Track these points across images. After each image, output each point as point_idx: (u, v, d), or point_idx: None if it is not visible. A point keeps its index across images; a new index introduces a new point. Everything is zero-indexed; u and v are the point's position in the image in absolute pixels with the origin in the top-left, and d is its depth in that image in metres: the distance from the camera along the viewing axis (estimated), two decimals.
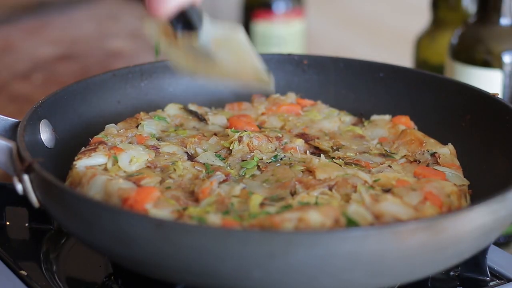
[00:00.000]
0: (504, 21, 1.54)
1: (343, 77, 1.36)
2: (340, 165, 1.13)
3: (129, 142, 1.18)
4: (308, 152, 1.19)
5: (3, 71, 1.95)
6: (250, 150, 1.17)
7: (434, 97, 1.29)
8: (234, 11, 2.45)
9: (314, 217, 0.97)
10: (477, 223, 0.95)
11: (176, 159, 1.14)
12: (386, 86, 1.33)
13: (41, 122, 1.15)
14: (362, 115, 1.32)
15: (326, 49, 2.40)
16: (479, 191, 1.12)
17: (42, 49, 2.09)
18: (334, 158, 1.17)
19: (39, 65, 1.99)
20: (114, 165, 1.11)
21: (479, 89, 1.25)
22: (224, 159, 1.16)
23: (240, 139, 1.18)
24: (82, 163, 1.11)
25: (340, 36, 2.55)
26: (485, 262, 1.10)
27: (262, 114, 1.30)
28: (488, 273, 1.11)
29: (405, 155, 1.19)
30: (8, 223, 1.22)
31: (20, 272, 1.10)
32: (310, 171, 1.11)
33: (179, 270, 0.93)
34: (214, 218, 0.98)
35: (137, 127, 1.22)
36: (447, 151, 1.20)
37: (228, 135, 1.20)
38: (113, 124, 1.22)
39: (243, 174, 1.12)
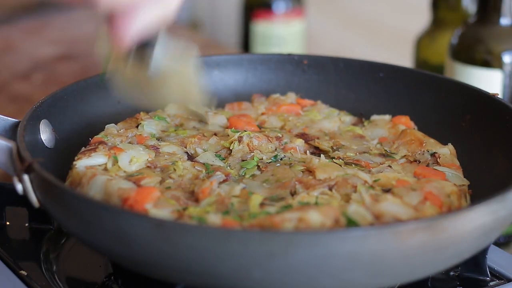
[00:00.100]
0: (504, 21, 1.54)
1: (343, 77, 1.36)
2: (340, 165, 1.13)
3: (129, 142, 1.18)
4: (308, 152, 1.19)
5: (3, 71, 1.94)
6: (250, 150, 1.17)
7: (434, 97, 1.29)
8: (234, 11, 2.45)
9: (314, 217, 0.97)
10: (477, 223, 0.95)
11: (176, 159, 1.14)
12: (386, 86, 1.33)
13: (41, 122, 1.15)
14: (362, 115, 1.32)
15: (326, 49, 2.40)
16: (479, 191, 1.12)
17: (42, 49, 2.09)
18: (334, 158, 1.17)
19: (39, 65, 1.99)
20: (114, 165, 1.11)
21: (479, 89, 1.25)
22: (224, 159, 1.16)
23: (240, 139, 1.18)
24: (82, 163, 1.11)
25: (340, 36, 2.55)
26: (485, 262, 1.10)
27: (262, 114, 1.30)
28: (488, 273, 1.11)
29: (405, 155, 1.19)
30: (8, 223, 1.22)
31: (20, 272, 1.10)
32: (310, 171, 1.11)
33: (179, 270, 0.93)
34: (214, 218, 0.98)
35: (137, 127, 1.22)
36: (447, 151, 1.20)
37: (228, 135, 1.20)
38: (113, 124, 1.22)
39: (243, 174, 1.12)
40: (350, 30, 2.55)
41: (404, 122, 1.27)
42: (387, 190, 1.07)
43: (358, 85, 1.35)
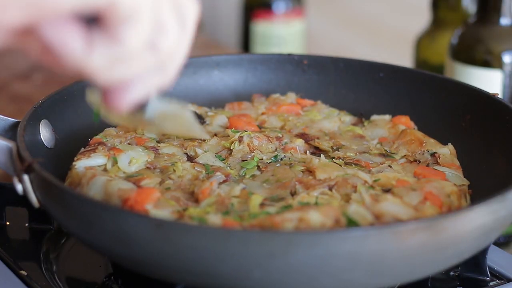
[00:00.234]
0: (504, 21, 1.54)
1: (343, 77, 1.36)
2: (340, 165, 1.13)
3: (128, 143, 1.18)
4: (308, 152, 1.19)
5: (3, 71, 1.94)
6: (250, 150, 1.17)
7: (434, 97, 1.29)
8: (234, 11, 2.45)
9: (315, 217, 0.97)
10: (477, 223, 0.95)
11: (175, 160, 1.14)
12: (386, 86, 1.33)
13: (41, 122, 1.15)
14: (362, 115, 1.32)
15: (326, 49, 2.40)
16: (479, 191, 1.12)
17: None
18: (334, 158, 1.17)
19: (39, 65, 1.99)
20: (113, 166, 1.11)
21: (479, 89, 1.25)
22: (224, 160, 1.16)
23: (240, 139, 1.18)
24: (82, 163, 1.11)
25: (340, 36, 2.55)
26: (485, 262, 1.10)
27: (262, 114, 1.30)
28: (488, 273, 1.11)
29: (405, 155, 1.19)
30: (8, 223, 1.22)
31: (20, 272, 1.10)
32: (310, 171, 1.11)
33: (179, 270, 0.93)
34: (215, 219, 0.98)
35: (135, 131, 1.21)
36: (447, 151, 1.20)
37: (228, 136, 1.20)
38: (112, 128, 1.22)
39: (243, 174, 1.12)
40: (350, 30, 2.56)
41: (404, 122, 1.27)
42: (387, 190, 1.07)
43: (358, 85, 1.35)
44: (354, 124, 1.29)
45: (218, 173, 1.10)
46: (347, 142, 1.22)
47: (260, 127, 1.26)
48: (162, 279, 0.97)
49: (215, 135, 1.22)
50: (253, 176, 1.12)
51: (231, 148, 1.17)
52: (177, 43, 0.84)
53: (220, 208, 1.02)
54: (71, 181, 1.10)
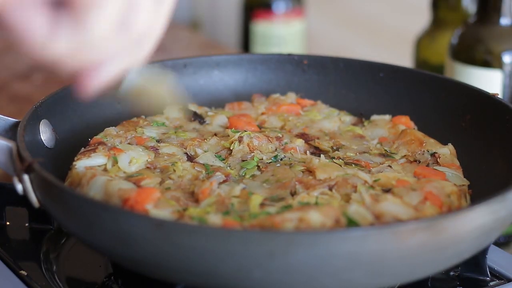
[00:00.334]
0: (504, 21, 1.54)
1: (343, 77, 1.36)
2: (340, 165, 1.13)
3: (129, 143, 1.18)
4: (308, 152, 1.19)
5: (3, 71, 1.94)
6: (250, 150, 1.17)
7: (434, 97, 1.29)
8: (234, 11, 2.45)
9: (315, 217, 0.97)
10: (477, 223, 0.95)
11: (175, 160, 1.14)
12: (386, 86, 1.33)
13: (41, 122, 1.15)
14: (362, 115, 1.32)
15: (326, 49, 2.40)
16: (479, 191, 1.12)
17: None
18: (334, 158, 1.17)
19: (39, 65, 1.98)
20: (113, 166, 1.11)
21: (479, 89, 1.25)
22: (224, 160, 1.16)
23: (240, 139, 1.18)
24: (82, 163, 1.11)
25: (340, 36, 2.55)
26: (485, 262, 1.10)
27: (262, 114, 1.30)
28: (488, 273, 1.11)
29: (405, 155, 1.19)
30: (8, 223, 1.22)
31: (20, 272, 1.10)
32: (310, 171, 1.11)
33: (179, 270, 0.93)
34: (215, 219, 0.98)
35: (135, 130, 1.21)
36: (447, 151, 1.20)
37: (228, 135, 1.20)
38: (112, 127, 1.22)
39: (243, 174, 1.12)
40: (350, 30, 2.56)
41: (404, 122, 1.27)
42: (387, 190, 1.07)
43: (358, 85, 1.35)
44: (354, 124, 1.29)
45: (218, 173, 1.10)
46: (347, 142, 1.22)
47: (260, 127, 1.26)
48: (162, 279, 0.97)
49: (215, 135, 1.22)
50: (253, 176, 1.12)
51: (231, 148, 1.17)
52: (152, 21, 0.81)
53: (220, 208, 1.02)
54: (71, 181, 1.10)
